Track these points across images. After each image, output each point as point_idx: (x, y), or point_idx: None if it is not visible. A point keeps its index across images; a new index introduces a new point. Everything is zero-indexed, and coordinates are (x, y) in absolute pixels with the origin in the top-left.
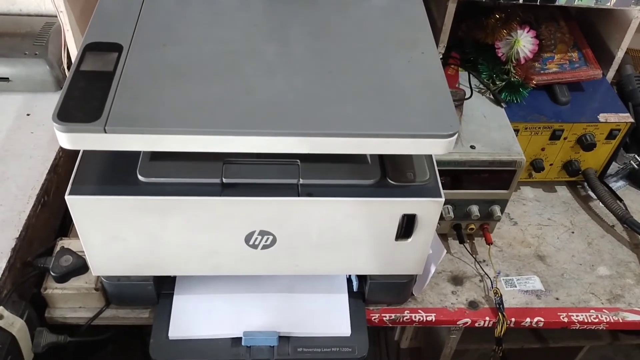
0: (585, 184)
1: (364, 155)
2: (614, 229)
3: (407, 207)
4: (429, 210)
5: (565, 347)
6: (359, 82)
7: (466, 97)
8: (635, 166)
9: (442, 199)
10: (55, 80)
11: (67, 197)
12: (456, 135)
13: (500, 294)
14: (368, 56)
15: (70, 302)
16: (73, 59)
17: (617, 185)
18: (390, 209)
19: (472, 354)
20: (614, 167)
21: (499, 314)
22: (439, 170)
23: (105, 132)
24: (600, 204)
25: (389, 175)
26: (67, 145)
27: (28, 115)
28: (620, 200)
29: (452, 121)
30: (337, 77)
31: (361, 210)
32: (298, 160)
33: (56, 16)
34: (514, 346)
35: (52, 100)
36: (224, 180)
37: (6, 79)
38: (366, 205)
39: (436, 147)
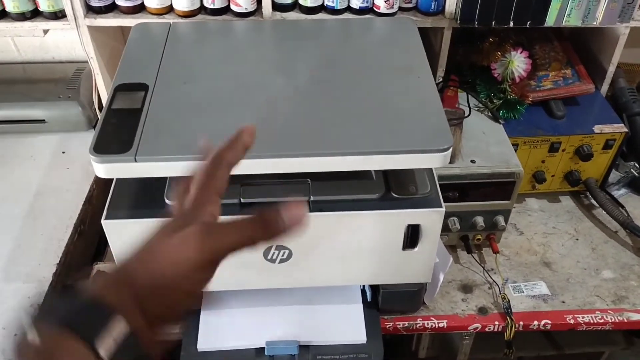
0: (588, 193)
1: (369, 172)
2: (617, 234)
3: (411, 218)
4: (431, 219)
5: (583, 354)
6: (362, 106)
7: (465, 115)
8: (636, 174)
9: (443, 209)
10: (87, 120)
11: (103, 222)
12: (450, 150)
13: (508, 299)
14: (369, 82)
15: None
16: (103, 100)
17: (619, 193)
18: (396, 220)
19: None
20: (616, 175)
21: (508, 317)
22: (442, 184)
23: (136, 162)
24: (603, 211)
25: (392, 189)
26: (103, 175)
27: (63, 153)
28: (622, 207)
29: (446, 137)
30: (342, 102)
31: (369, 223)
32: (308, 179)
33: (86, 62)
34: (529, 354)
35: (86, 138)
36: (242, 200)
37: (42, 121)
38: (373, 218)
39: (433, 161)
